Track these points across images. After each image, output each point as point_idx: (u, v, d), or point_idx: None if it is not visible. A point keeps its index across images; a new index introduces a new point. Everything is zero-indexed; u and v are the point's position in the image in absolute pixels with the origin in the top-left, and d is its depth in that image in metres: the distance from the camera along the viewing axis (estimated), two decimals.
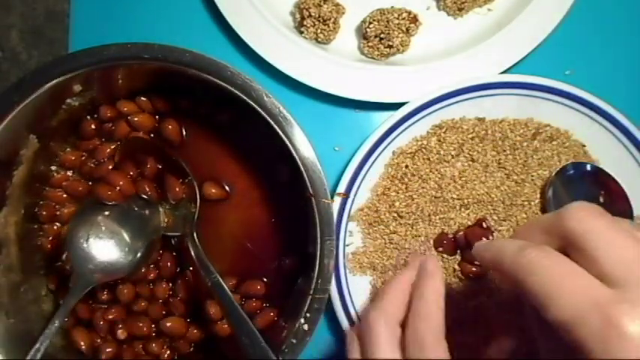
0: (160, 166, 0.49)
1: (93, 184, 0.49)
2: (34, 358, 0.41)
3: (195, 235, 0.46)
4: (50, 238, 0.49)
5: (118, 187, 0.47)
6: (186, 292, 0.49)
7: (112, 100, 0.49)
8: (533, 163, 0.49)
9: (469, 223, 0.49)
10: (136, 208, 0.48)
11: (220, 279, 0.44)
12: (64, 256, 0.49)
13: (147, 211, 0.48)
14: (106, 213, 0.47)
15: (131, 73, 0.46)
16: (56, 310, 0.43)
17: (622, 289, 0.26)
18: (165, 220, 0.48)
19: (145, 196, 0.48)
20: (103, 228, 0.46)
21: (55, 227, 0.50)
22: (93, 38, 0.46)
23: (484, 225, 0.48)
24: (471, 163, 0.49)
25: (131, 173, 0.49)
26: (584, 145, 0.49)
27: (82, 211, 0.47)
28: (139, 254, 0.46)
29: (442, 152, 0.49)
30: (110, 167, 0.49)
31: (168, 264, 0.49)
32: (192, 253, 0.45)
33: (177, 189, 0.48)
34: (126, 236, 0.46)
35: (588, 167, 0.48)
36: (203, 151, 0.50)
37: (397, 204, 0.49)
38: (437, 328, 0.36)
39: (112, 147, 0.49)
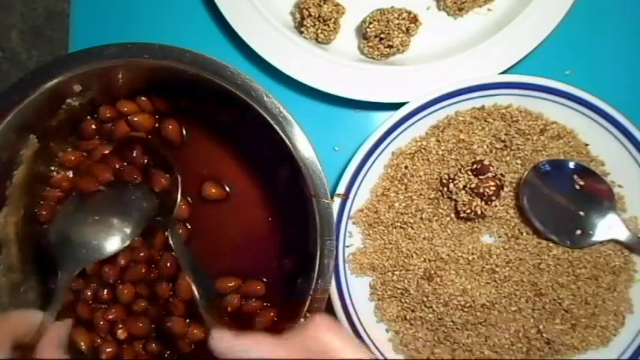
0: (148, 160, 0.49)
1: (74, 176, 0.49)
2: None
3: (174, 224, 0.46)
4: None
5: (100, 177, 0.47)
6: (186, 292, 0.49)
7: (112, 100, 0.49)
8: (542, 158, 0.49)
9: None
10: (123, 194, 0.48)
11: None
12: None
13: (134, 195, 0.48)
14: (89, 200, 0.47)
15: (131, 73, 0.46)
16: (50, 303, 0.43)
17: None
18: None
19: (129, 181, 0.48)
20: (86, 212, 0.46)
21: None
22: (93, 38, 0.46)
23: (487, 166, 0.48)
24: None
25: (117, 166, 0.49)
26: (587, 145, 0.49)
27: (65, 204, 0.47)
28: (127, 232, 0.46)
29: (441, 152, 0.49)
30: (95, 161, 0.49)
31: (168, 264, 0.49)
32: (172, 243, 0.45)
33: (162, 180, 0.48)
34: (112, 217, 0.46)
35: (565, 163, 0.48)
36: (203, 151, 0.50)
37: (397, 205, 0.49)
38: None
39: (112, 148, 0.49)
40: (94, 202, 0.47)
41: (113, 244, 0.46)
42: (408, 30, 0.50)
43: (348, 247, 0.49)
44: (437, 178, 0.49)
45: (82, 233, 0.45)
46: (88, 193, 0.47)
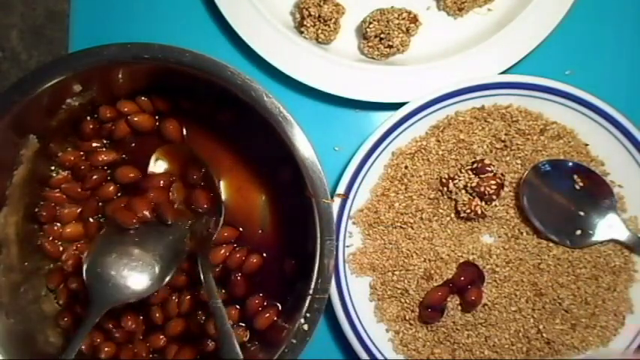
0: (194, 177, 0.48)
1: (114, 208, 0.47)
2: None
3: (209, 257, 0.46)
4: (50, 238, 0.49)
5: (138, 214, 0.46)
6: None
7: (112, 100, 0.49)
8: (542, 158, 0.49)
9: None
10: (159, 231, 0.46)
11: (222, 306, 0.43)
12: (64, 256, 0.49)
13: (171, 235, 0.46)
14: (126, 238, 0.45)
15: (131, 73, 0.46)
16: (76, 331, 0.41)
17: None
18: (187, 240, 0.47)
19: (165, 219, 0.46)
20: (123, 252, 0.44)
21: (56, 227, 0.50)
22: (93, 38, 0.46)
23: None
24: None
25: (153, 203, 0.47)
26: (587, 145, 0.49)
27: (102, 237, 0.45)
28: (160, 273, 0.44)
29: (441, 152, 0.49)
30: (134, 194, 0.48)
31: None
32: (201, 274, 0.44)
33: (204, 199, 0.47)
34: (149, 258, 0.44)
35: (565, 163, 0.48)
36: (203, 151, 0.49)
37: (397, 205, 0.49)
38: None
39: (111, 154, 0.50)
40: (129, 239, 0.45)
41: (144, 287, 0.43)
42: (408, 30, 0.50)
43: (348, 247, 0.49)
44: (437, 178, 0.49)
45: (114, 272, 0.43)
46: (124, 229, 0.45)
